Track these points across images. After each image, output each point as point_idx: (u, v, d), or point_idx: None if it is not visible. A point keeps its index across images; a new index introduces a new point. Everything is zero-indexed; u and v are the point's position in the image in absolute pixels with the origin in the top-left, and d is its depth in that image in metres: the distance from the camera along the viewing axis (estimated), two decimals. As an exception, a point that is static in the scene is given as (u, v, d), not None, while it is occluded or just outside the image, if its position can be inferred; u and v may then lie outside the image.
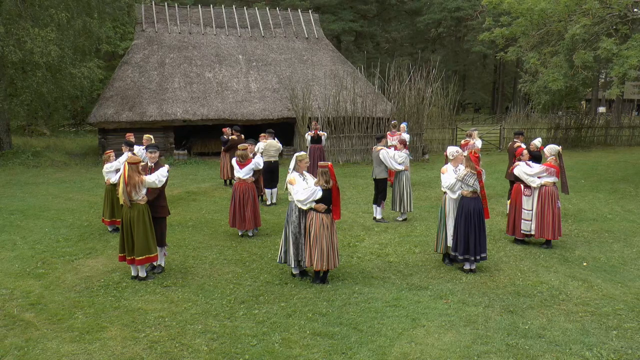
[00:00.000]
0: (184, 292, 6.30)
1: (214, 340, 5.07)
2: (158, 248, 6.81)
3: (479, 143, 12.07)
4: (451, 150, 7.34)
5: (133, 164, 6.45)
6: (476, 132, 12.67)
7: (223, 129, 13.94)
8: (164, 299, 6.12)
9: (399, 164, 9.78)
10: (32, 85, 16.85)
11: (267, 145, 11.43)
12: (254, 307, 5.88)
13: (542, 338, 5.11)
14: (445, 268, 7.22)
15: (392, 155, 9.78)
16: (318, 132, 14.45)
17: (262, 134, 11.99)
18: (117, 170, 8.54)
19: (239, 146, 9.13)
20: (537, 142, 9.42)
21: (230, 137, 13.49)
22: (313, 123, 14.83)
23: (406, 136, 13.07)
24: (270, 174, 11.39)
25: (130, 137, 11.74)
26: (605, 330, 5.31)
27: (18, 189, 13.32)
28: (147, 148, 7.21)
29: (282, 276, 6.88)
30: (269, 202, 11.50)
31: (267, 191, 11.52)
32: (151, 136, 11.45)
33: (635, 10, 14.41)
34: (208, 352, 4.86)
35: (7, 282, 6.65)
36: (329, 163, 6.47)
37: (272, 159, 11.44)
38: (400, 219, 10.09)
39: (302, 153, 6.71)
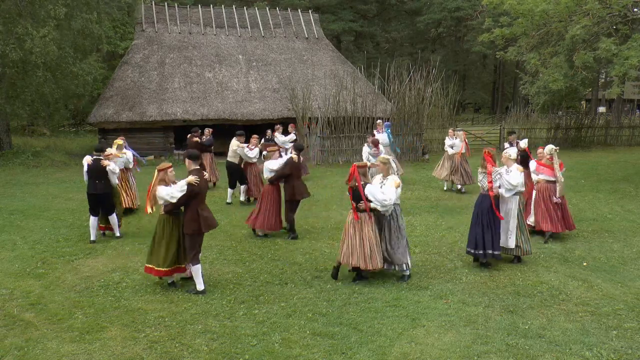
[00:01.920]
0: (184, 292, 6.29)
1: (214, 340, 5.07)
2: (189, 265, 6.29)
3: (455, 141, 12.72)
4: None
5: (160, 171, 6.12)
6: (460, 132, 13.20)
7: (203, 130, 13.43)
8: (164, 299, 6.11)
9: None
10: (33, 84, 16.84)
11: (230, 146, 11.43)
12: (254, 307, 5.88)
13: (542, 338, 5.11)
14: (446, 268, 7.22)
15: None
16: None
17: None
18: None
19: (268, 149, 9.12)
20: (523, 143, 10.00)
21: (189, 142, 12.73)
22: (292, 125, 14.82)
23: (380, 136, 12.88)
24: (230, 176, 11.50)
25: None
26: (605, 330, 5.30)
27: (18, 189, 13.32)
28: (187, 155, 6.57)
29: (282, 276, 6.88)
30: (229, 201, 11.61)
31: (230, 191, 11.64)
32: (121, 141, 10.36)
33: (635, 10, 14.41)
34: (208, 352, 4.86)
35: (7, 282, 6.65)
36: (356, 164, 6.49)
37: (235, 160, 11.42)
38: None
39: (385, 156, 6.68)
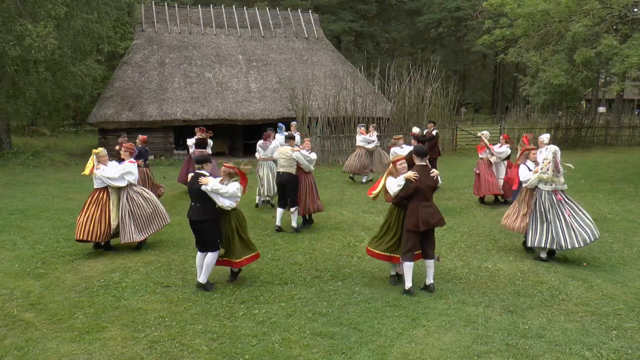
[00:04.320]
0: (184, 292, 6.29)
1: (214, 340, 5.07)
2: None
3: (360, 138, 13.82)
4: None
5: (392, 163, 6.39)
6: (372, 127, 14.30)
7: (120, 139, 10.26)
8: (164, 299, 6.11)
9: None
10: (34, 83, 16.82)
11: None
12: (254, 307, 5.88)
13: (542, 338, 5.11)
14: (446, 268, 7.21)
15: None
16: (202, 135, 12.08)
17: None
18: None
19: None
20: (415, 129, 13.19)
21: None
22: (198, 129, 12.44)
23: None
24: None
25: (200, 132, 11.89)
26: (605, 330, 5.30)
27: (18, 189, 13.32)
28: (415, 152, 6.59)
29: (282, 276, 6.88)
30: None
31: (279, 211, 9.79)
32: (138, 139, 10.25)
33: (635, 10, 14.43)
34: (208, 352, 4.86)
35: (7, 282, 6.65)
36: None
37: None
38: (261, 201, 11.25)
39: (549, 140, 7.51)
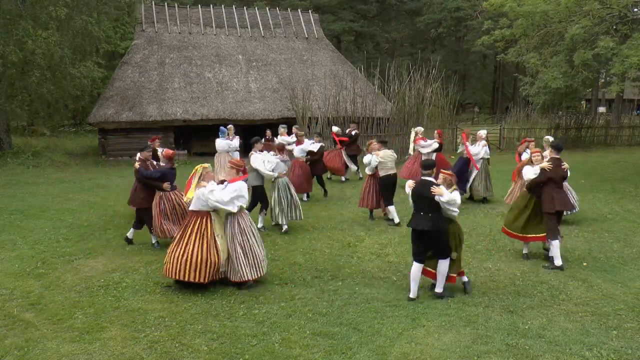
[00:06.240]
0: (184, 292, 6.29)
1: (214, 340, 5.08)
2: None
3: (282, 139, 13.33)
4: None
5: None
6: (295, 129, 13.98)
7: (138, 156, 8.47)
8: (164, 299, 6.11)
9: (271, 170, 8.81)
10: (32, 85, 16.82)
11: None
12: (254, 307, 5.88)
13: (542, 338, 5.11)
14: (445, 268, 7.21)
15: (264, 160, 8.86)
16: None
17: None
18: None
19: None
20: (335, 129, 14.13)
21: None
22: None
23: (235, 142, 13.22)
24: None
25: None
26: (605, 330, 5.30)
27: (18, 189, 13.31)
28: (552, 147, 7.50)
29: (282, 276, 6.88)
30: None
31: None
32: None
33: (635, 10, 14.43)
34: (208, 352, 4.86)
35: (7, 282, 6.65)
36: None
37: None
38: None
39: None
